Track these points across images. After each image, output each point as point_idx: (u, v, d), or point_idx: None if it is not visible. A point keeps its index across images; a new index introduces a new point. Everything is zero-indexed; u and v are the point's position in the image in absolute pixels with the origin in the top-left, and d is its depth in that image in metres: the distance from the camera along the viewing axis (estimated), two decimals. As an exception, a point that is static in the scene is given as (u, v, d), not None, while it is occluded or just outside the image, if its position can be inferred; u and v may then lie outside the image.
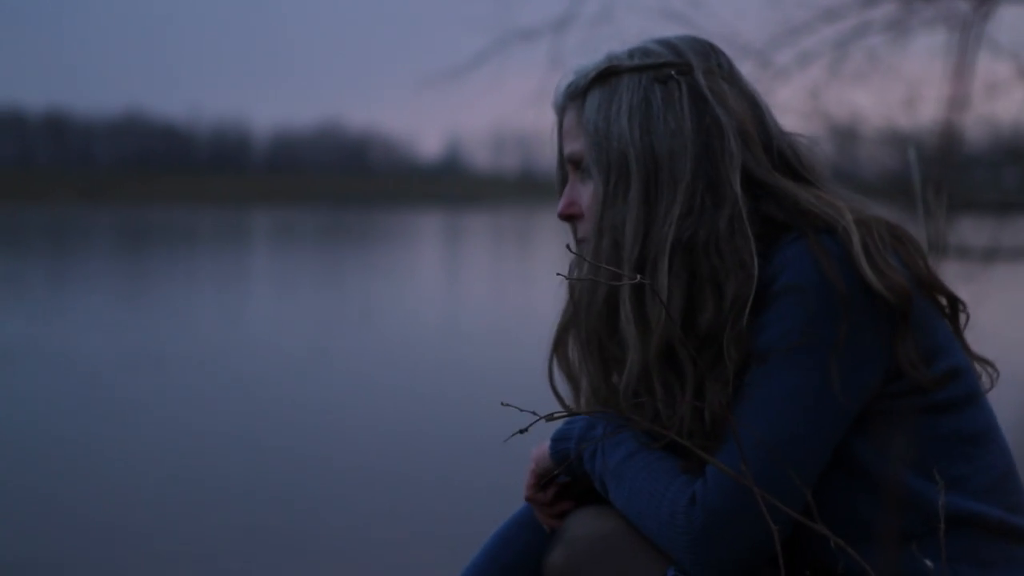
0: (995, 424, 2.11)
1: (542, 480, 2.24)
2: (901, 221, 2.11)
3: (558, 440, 2.21)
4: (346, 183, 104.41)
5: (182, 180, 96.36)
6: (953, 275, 2.23)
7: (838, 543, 1.83)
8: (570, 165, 2.22)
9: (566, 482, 2.23)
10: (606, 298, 2.12)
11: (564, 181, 2.26)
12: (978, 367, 2.14)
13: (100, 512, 7.16)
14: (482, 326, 16.94)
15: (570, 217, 2.22)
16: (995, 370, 2.16)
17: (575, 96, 2.20)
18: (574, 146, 2.19)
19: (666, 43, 2.18)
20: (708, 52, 2.17)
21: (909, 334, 2.01)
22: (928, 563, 1.94)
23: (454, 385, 11.74)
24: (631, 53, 2.17)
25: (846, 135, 10.35)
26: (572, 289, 2.20)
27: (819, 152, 2.21)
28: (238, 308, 19.01)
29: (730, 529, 1.96)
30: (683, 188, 2.07)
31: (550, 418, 1.84)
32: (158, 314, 17.92)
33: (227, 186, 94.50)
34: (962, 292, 2.17)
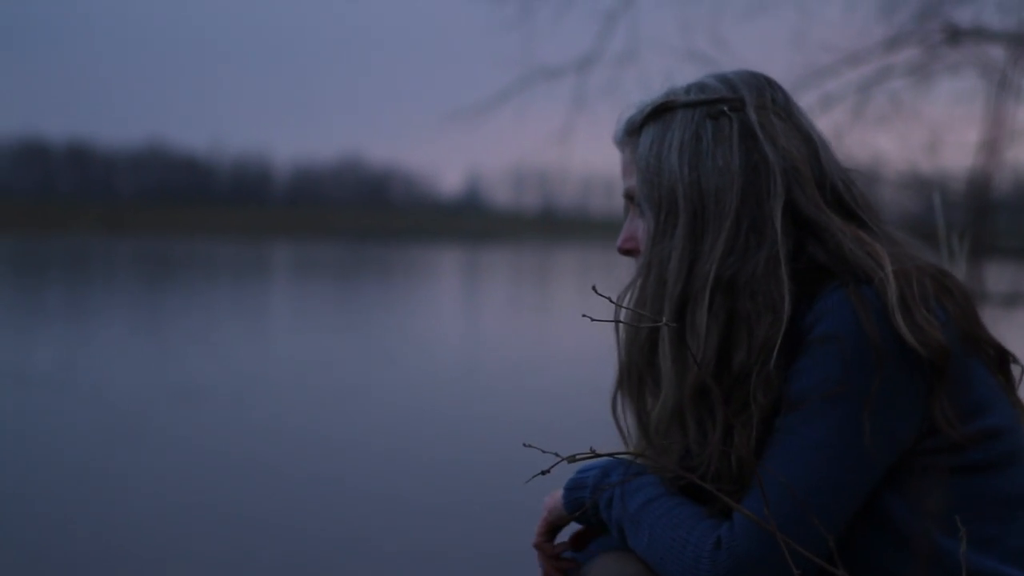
0: None
1: (556, 529, 2.24)
2: (944, 276, 2.07)
3: (572, 489, 2.20)
4: (366, 217, 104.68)
5: (203, 212, 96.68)
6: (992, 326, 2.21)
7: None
8: (627, 200, 2.23)
9: (578, 531, 2.22)
10: (648, 334, 2.12)
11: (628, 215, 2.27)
12: None
13: (120, 537, 7.16)
14: (501, 363, 16.92)
15: (628, 252, 2.22)
16: None
17: (632, 132, 2.20)
18: (629, 182, 2.20)
19: (722, 78, 2.17)
20: (763, 87, 2.16)
21: (945, 390, 1.98)
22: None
23: (474, 422, 11.71)
24: (688, 88, 2.17)
25: (868, 178, 10.36)
26: (617, 328, 2.19)
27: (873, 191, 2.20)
28: (259, 340, 19.03)
29: (755, 574, 1.94)
30: (728, 226, 2.06)
31: (572, 460, 1.83)
32: (178, 345, 17.94)
33: (248, 218, 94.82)
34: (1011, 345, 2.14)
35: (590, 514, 2.17)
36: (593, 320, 1.89)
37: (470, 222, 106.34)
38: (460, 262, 55.37)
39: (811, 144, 2.14)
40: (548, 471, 1.75)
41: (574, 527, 2.24)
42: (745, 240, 2.06)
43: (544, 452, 1.73)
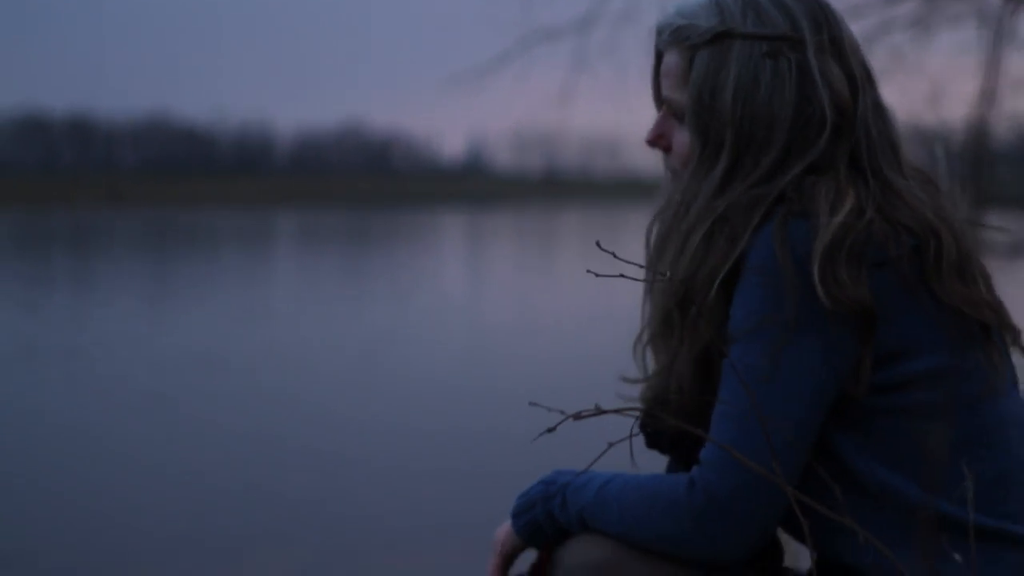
0: (996, 426, 2.05)
1: (510, 562, 2.22)
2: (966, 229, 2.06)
3: (519, 515, 2.18)
4: (369, 184, 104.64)
5: (206, 183, 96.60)
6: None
7: (853, 526, 1.82)
8: (666, 106, 2.19)
9: (534, 563, 2.17)
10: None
11: (658, 99, 2.25)
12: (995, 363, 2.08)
13: (118, 507, 7.19)
14: (506, 324, 16.94)
15: (656, 145, 2.21)
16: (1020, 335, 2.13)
17: (682, 44, 2.14)
18: (675, 96, 2.16)
19: (781, 5, 2.10)
20: (822, 21, 2.10)
21: (859, 342, 1.97)
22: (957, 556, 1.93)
23: (479, 384, 11.74)
24: (744, 10, 2.10)
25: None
26: (648, 244, 2.19)
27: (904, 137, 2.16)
28: (264, 310, 19.05)
29: (733, 505, 1.95)
30: (760, 170, 2.05)
31: (578, 417, 1.83)
32: (183, 316, 17.97)
33: (251, 188, 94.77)
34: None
35: (546, 529, 2.15)
36: (598, 275, 1.89)
37: (473, 186, 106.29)
38: (464, 226, 55.36)
39: (855, 87, 2.09)
40: (554, 429, 1.76)
41: (529, 561, 2.20)
42: (760, 180, 2.06)
43: (550, 411, 1.74)
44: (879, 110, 2.14)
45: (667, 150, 2.20)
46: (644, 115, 2.30)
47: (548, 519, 2.13)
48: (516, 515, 2.18)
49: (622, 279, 1.99)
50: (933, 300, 2.01)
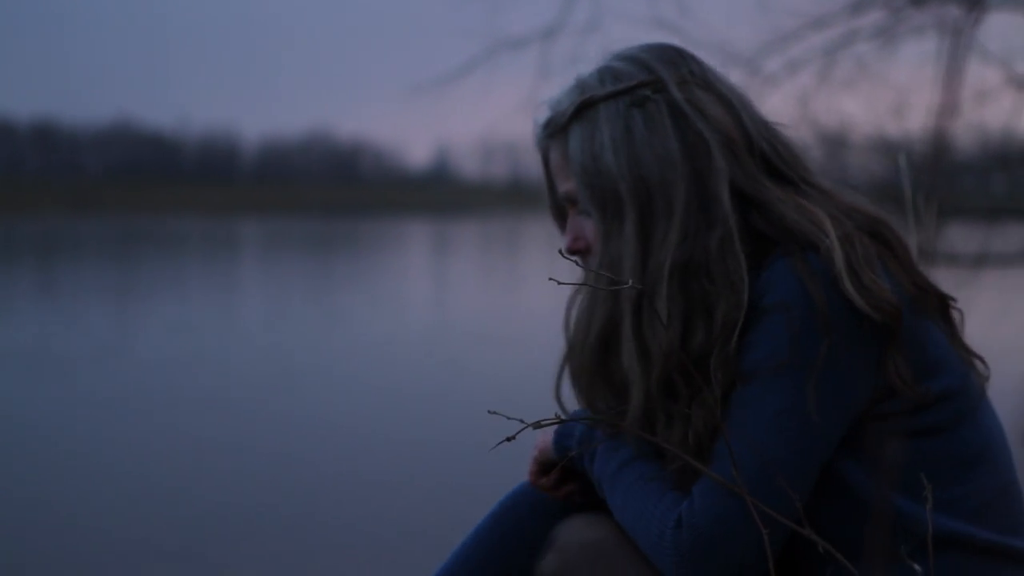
0: (994, 441, 2.07)
1: (546, 468, 2.27)
2: (887, 218, 2.08)
3: (562, 436, 2.22)
4: (335, 192, 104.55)
5: (171, 189, 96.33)
6: (943, 282, 2.21)
7: (827, 548, 1.81)
8: (568, 204, 2.19)
9: (569, 467, 2.25)
10: (599, 334, 2.10)
11: (560, 215, 2.25)
12: (979, 369, 2.11)
13: (78, 510, 7.15)
14: (470, 332, 16.92)
15: (577, 251, 2.18)
16: (986, 367, 2.13)
17: (555, 133, 2.16)
18: (567, 185, 2.16)
19: (633, 59, 2.13)
20: (677, 60, 2.12)
21: (899, 351, 1.97)
22: (917, 567, 1.93)
23: (442, 391, 11.72)
24: (601, 77, 2.12)
25: (835, 142, 10.37)
26: (567, 325, 2.19)
27: (800, 143, 2.17)
28: (228, 317, 18.98)
29: (716, 551, 1.93)
30: (678, 213, 2.03)
31: (537, 425, 1.83)
32: (146, 323, 17.90)
33: (216, 195, 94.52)
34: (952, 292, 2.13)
35: (575, 462, 2.19)
36: (560, 283, 1.88)
37: (439, 194, 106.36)
38: (429, 234, 55.32)
39: (733, 109, 2.10)
40: (513, 437, 1.75)
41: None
42: (696, 223, 2.03)
43: (509, 419, 1.73)
44: (768, 125, 2.15)
45: (588, 250, 2.18)
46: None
47: (578, 458, 2.17)
48: (559, 433, 2.23)
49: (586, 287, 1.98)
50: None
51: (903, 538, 1.97)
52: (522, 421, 1.79)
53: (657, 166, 2.05)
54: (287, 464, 8.56)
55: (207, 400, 11.26)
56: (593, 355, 2.11)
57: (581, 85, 2.14)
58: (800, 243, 1.98)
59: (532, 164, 2.33)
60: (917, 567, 1.93)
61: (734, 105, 2.11)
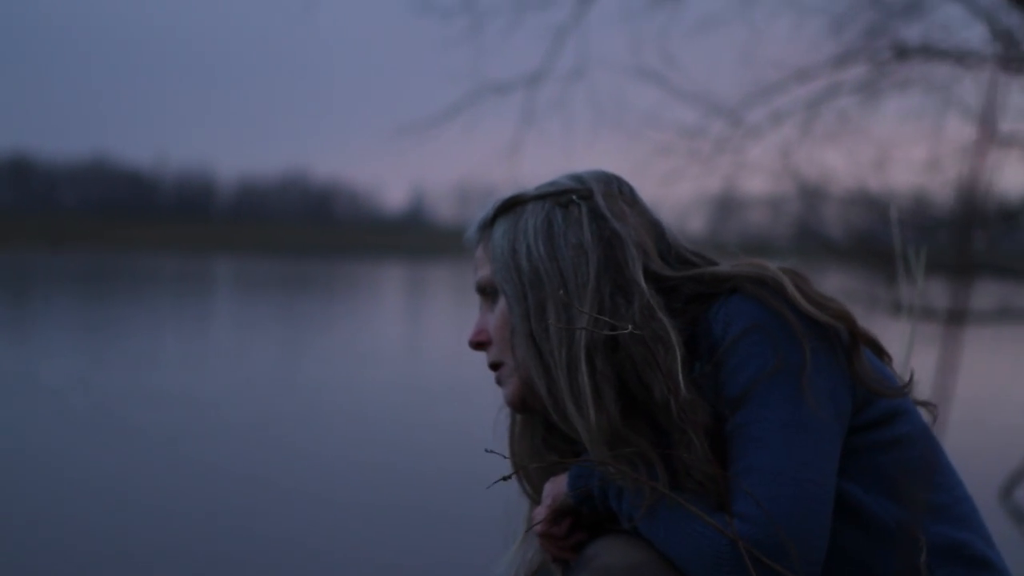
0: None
1: (560, 516, 2.24)
2: (803, 271, 2.17)
3: (579, 477, 2.20)
4: (310, 233, 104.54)
5: (147, 227, 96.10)
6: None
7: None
8: (479, 294, 2.32)
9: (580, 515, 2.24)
10: (526, 427, 2.31)
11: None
12: (923, 409, 2.17)
13: (72, 533, 7.09)
14: (442, 377, 16.89)
15: (479, 345, 2.32)
16: (935, 409, 2.16)
17: (484, 227, 2.31)
18: (482, 273, 2.29)
19: (572, 176, 2.28)
20: (611, 180, 2.27)
21: (862, 355, 2.06)
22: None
23: (414, 438, 11.67)
24: (538, 187, 2.28)
25: (816, 194, 10.39)
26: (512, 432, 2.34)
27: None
28: (202, 354, 18.92)
29: (776, 560, 1.93)
30: (590, 293, 2.12)
31: (533, 468, 1.81)
32: (121, 359, 17.83)
33: (192, 234, 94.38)
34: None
35: (597, 502, 2.17)
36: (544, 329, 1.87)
37: (414, 238, 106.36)
38: (403, 278, 55.31)
39: (657, 227, 2.25)
40: (509, 477, 1.73)
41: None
42: (612, 303, 2.12)
43: (505, 458, 1.72)
44: (690, 243, 2.28)
45: (488, 342, 2.31)
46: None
47: (601, 496, 2.16)
48: (574, 476, 2.21)
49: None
50: None
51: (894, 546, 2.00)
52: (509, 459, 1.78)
53: (571, 253, 2.17)
54: (256, 497, 8.52)
55: (176, 434, 11.20)
56: (531, 449, 2.28)
57: (518, 190, 2.30)
58: (744, 280, 2.08)
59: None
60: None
61: (659, 223, 2.26)
